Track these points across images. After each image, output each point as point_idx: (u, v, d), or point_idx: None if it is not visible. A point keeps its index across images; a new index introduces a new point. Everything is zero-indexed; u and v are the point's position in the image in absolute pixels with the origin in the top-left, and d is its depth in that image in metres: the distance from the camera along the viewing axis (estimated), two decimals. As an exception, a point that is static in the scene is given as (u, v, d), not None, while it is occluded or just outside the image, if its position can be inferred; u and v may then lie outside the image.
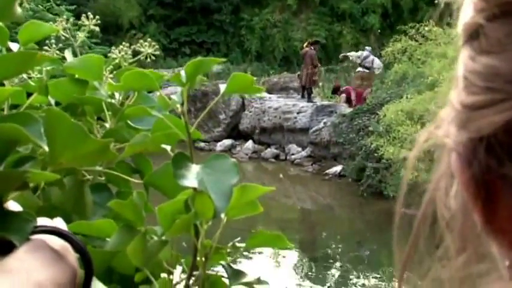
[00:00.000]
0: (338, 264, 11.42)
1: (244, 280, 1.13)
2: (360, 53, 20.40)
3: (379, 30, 29.49)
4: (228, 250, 1.13)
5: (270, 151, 19.12)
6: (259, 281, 1.14)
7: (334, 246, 12.47)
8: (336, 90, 20.94)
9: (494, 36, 0.45)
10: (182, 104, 1.07)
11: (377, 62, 19.97)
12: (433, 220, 0.56)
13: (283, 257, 11.00)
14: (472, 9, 0.48)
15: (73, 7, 18.94)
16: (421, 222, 0.56)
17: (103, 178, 1.30)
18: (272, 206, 13.17)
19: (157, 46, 1.31)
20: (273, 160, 18.60)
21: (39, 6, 17.99)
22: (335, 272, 10.91)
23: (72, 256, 0.81)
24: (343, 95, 20.07)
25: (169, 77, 1.11)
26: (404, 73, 16.09)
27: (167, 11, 29.78)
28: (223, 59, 1.18)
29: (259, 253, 10.54)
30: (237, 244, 1.15)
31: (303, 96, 20.69)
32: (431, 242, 0.57)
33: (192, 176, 0.99)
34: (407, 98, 13.66)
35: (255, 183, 1.11)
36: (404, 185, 0.60)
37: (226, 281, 1.15)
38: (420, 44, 14.54)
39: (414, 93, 13.97)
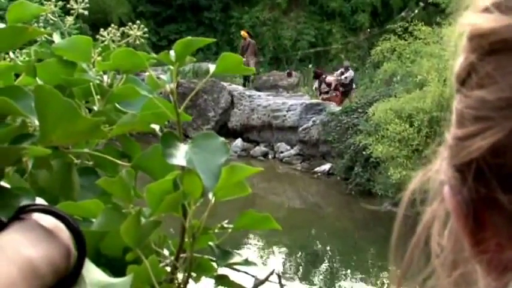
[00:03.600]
0: (326, 262, 11.44)
1: (232, 261, 1.13)
2: (350, 73, 20.46)
3: (368, 29, 29.53)
4: (216, 231, 1.12)
5: (259, 149, 19.14)
6: (246, 262, 1.14)
7: (322, 244, 12.49)
8: (317, 75, 21.12)
9: (484, 71, 0.49)
10: (171, 84, 1.06)
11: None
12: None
13: (271, 253, 11.02)
14: (464, 52, 0.53)
15: (61, 4, 18.81)
16: (414, 248, 0.61)
17: (91, 163, 1.29)
18: (261, 204, 13.18)
19: (146, 29, 1.30)
20: (262, 158, 18.60)
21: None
22: (323, 270, 10.94)
23: (66, 235, 0.80)
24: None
25: (158, 57, 1.10)
26: (393, 72, 16.14)
27: (157, 8, 29.74)
28: (213, 39, 1.17)
29: (247, 249, 10.56)
30: (225, 225, 1.14)
31: (245, 85, 21.53)
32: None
33: (180, 155, 0.99)
34: (396, 96, 13.70)
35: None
36: (400, 217, 0.63)
37: (214, 264, 1.15)
38: (409, 43, 14.56)
39: (403, 92, 14.01)
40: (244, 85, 21.59)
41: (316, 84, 21.22)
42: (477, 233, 0.53)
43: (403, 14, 25.51)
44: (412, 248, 0.61)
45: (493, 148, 0.48)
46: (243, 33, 22.39)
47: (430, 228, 0.60)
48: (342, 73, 20.65)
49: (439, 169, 0.57)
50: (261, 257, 10.77)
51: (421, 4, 24.58)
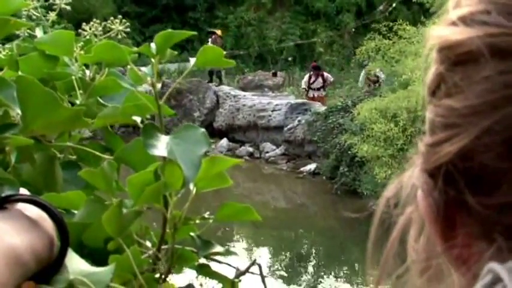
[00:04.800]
0: (312, 261, 11.45)
1: (213, 250, 1.14)
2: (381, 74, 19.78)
3: (353, 29, 29.60)
4: (197, 221, 1.14)
5: (245, 149, 19.12)
6: (228, 251, 1.15)
7: (308, 244, 12.51)
8: (315, 68, 20.77)
9: (452, 81, 0.53)
10: (153, 77, 1.07)
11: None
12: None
13: (257, 253, 11.02)
14: (434, 64, 0.56)
15: (45, 4, 18.70)
16: (389, 250, 0.64)
17: (74, 157, 1.30)
18: (246, 204, 13.13)
19: (128, 24, 1.31)
20: (247, 158, 18.58)
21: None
22: (309, 270, 10.94)
23: (50, 225, 0.81)
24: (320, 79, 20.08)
25: (139, 50, 1.11)
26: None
27: (142, 9, 29.71)
28: (194, 32, 1.18)
29: (232, 248, 10.54)
30: (206, 216, 1.15)
31: (211, 81, 21.47)
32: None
33: (161, 146, 1.00)
34: (381, 96, 13.72)
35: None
36: (376, 222, 0.66)
37: (195, 255, 1.16)
38: (394, 42, 14.58)
39: (388, 91, 14.03)
40: (211, 81, 21.54)
41: (307, 78, 20.71)
42: (447, 231, 0.56)
43: (380, 8, 25.49)
44: (388, 250, 0.64)
45: (460, 152, 0.51)
46: (220, 32, 22.36)
47: (404, 231, 0.63)
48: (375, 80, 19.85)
49: (412, 175, 0.60)
50: (246, 255, 10.77)
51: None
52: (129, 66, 1.14)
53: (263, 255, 11.14)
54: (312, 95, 20.09)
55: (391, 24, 14.77)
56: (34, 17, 1.42)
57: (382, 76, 18.47)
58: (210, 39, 20.97)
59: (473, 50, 0.51)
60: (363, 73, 19.93)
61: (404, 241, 0.63)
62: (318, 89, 20.20)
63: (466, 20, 0.53)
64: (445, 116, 0.53)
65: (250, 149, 19.09)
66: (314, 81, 20.28)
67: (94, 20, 1.32)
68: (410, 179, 0.61)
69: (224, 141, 19.34)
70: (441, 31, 0.55)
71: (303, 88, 20.64)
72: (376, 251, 0.65)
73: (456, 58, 0.53)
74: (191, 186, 1.02)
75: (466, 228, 0.54)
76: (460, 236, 0.55)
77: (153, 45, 1.08)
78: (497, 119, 0.49)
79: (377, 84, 18.45)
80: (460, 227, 0.55)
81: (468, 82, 0.51)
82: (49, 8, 1.46)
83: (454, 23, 0.54)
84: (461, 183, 0.52)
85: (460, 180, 0.52)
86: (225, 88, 21.40)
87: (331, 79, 20.47)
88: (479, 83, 0.50)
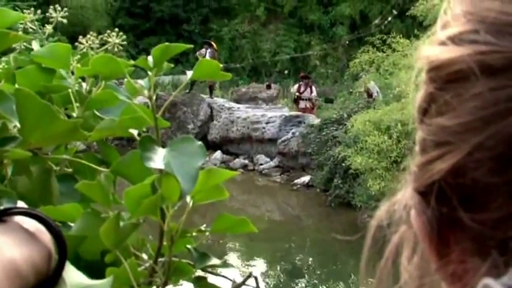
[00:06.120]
0: (306, 274, 11.43)
1: (210, 263, 1.14)
2: (374, 87, 19.51)
3: (347, 42, 29.68)
4: (194, 234, 1.14)
5: (239, 161, 19.12)
6: (225, 264, 1.15)
7: (302, 256, 12.49)
8: (304, 78, 20.88)
9: (443, 100, 0.53)
10: (149, 89, 1.08)
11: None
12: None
13: (252, 266, 10.99)
14: (424, 85, 0.56)
15: (40, 16, 18.69)
16: (382, 269, 0.64)
17: (70, 170, 1.30)
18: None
19: (124, 37, 1.31)
20: (241, 170, 18.56)
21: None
22: (303, 283, 10.93)
23: (47, 238, 0.81)
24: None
25: (136, 63, 1.12)
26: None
27: (136, 21, 29.79)
28: (190, 45, 1.19)
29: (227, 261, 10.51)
30: (203, 228, 1.16)
31: (194, 84, 21.20)
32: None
33: (158, 158, 1.00)
34: (374, 108, 13.75)
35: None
36: (369, 241, 0.66)
37: (192, 268, 1.16)
38: (387, 55, 14.62)
39: (382, 104, 14.07)
40: (193, 85, 21.54)
41: (296, 87, 20.84)
42: (442, 249, 0.56)
43: (376, 21, 25.64)
44: (382, 268, 0.64)
45: (452, 169, 0.51)
46: (213, 43, 22.29)
47: (397, 250, 0.64)
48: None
49: (404, 195, 0.60)
50: (241, 268, 10.75)
51: (394, 12, 24.82)
52: (125, 79, 1.14)
53: (258, 267, 11.11)
54: (304, 106, 20.14)
55: (384, 37, 14.81)
56: (30, 30, 1.42)
57: (376, 90, 18.42)
58: (208, 52, 20.77)
59: (463, 68, 0.51)
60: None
61: (398, 261, 0.64)
62: (309, 99, 20.25)
63: (455, 40, 0.53)
64: (436, 134, 0.53)
65: (244, 161, 19.10)
66: (304, 91, 20.35)
67: (90, 33, 1.33)
68: (403, 199, 0.61)
69: (218, 154, 19.34)
70: (431, 51, 0.55)
71: (295, 94, 20.70)
72: (370, 268, 0.66)
73: (446, 77, 0.53)
74: (188, 198, 1.02)
75: (460, 245, 0.54)
76: (454, 252, 0.55)
77: (149, 58, 1.09)
78: (489, 135, 0.49)
79: (371, 99, 18.42)
80: (454, 244, 0.55)
81: (459, 100, 0.51)
82: (43, 20, 1.46)
83: (443, 43, 0.54)
84: (453, 200, 0.52)
85: (452, 197, 0.52)
86: (219, 100, 21.43)
87: (315, 94, 20.51)
88: (470, 100, 0.50)
